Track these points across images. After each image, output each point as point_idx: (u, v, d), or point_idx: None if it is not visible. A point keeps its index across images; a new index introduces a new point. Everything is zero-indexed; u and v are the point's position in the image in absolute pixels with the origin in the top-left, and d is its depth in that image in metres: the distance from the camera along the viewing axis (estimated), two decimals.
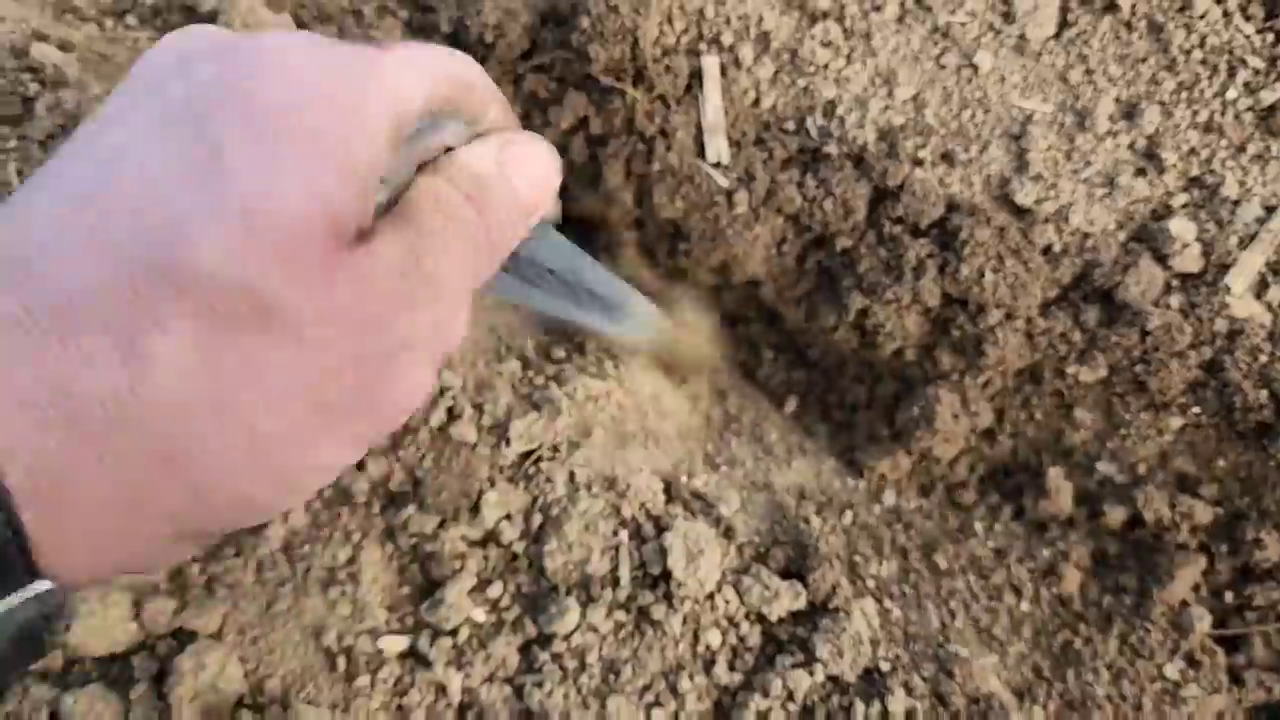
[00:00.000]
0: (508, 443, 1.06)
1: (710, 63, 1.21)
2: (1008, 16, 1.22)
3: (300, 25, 1.29)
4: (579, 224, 1.34)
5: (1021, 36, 1.21)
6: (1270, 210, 1.13)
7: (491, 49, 1.24)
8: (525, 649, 1.00)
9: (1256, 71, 1.16)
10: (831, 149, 1.19)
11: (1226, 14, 1.17)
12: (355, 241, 0.43)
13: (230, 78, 0.41)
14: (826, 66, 1.22)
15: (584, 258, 0.60)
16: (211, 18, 1.28)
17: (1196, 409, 1.11)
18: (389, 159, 0.45)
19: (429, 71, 0.47)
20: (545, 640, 0.99)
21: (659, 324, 0.60)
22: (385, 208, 0.47)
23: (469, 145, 0.51)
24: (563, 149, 1.28)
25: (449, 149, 0.51)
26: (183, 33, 0.46)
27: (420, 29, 1.32)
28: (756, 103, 1.22)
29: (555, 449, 1.07)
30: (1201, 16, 1.17)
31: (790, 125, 1.22)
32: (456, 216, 0.47)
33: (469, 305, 0.50)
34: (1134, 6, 1.19)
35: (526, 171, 0.52)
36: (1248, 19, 1.17)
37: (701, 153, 1.20)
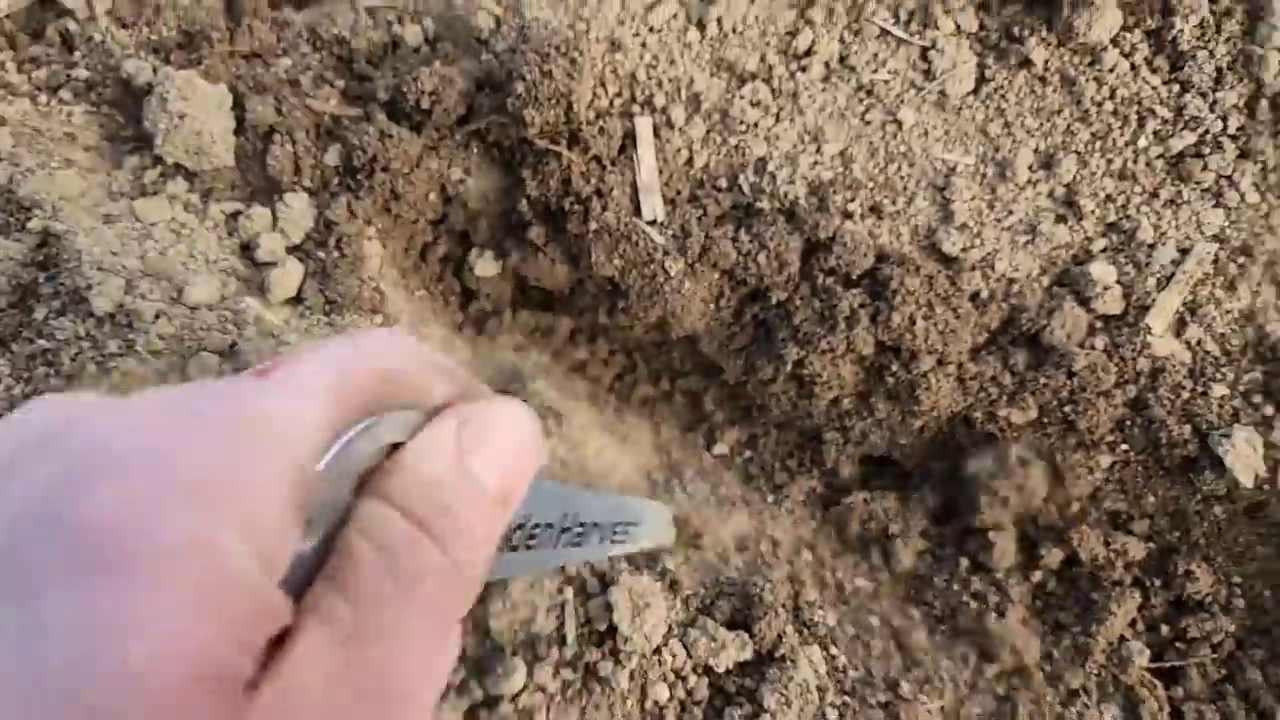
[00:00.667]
0: None
1: (643, 124, 1.29)
2: (928, 74, 1.31)
3: (237, 96, 1.36)
4: (534, 287, 1.40)
5: (942, 93, 1.31)
6: (1184, 252, 1.22)
7: (429, 115, 1.31)
8: (473, 713, 1.03)
9: (1164, 121, 1.26)
10: (764, 204, 1.27)
11: (1134, 67, 1.28)
12: (257, 673, 0.33)
13: (58, 488, 0.32)
14: (756, 125, 1.30)
15: (577, 497, 0.52)
16: (147, 91, 1.35)
17: (1125, 446, 1.19)
18: (296, 519, 0.35)
19: (331, 381, 0.38)
20: (493, 702, 1.03)
21: (670, 522, 0.55)
22: (317, 555, 0.36)
23: (419, 438, 0.40)
24: (509, 212, 1.36)
25: (395, 446, 0.40)
26: (30, 407, 0.36)
27: (358, 97, 1.39)
28: (690, 161, 1.30)
29: None
30: (1111, 70, 1.27)
31: (723, 182, 1.30)
32: (410, 568, 0.36)
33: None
34: (1047, 62, 1.29)
35: (496, 454, 0.40)
36: (1154, 71, 1.27)
37: (638, 211, 1.27)
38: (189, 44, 1.45)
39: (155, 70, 1.38)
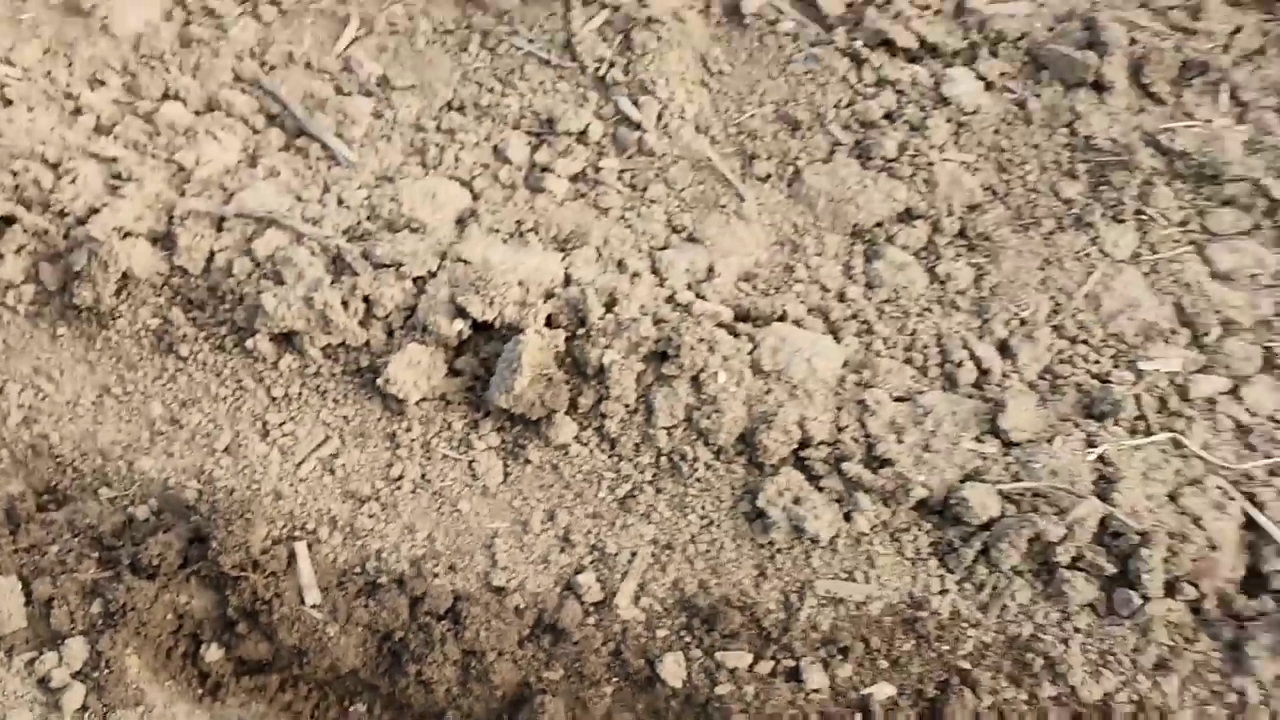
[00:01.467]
0: None
1: (301, 548, 2.29)
2: (474, 476, 2.39)
3: (24, 580, 2.26)
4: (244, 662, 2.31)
5: (484, 487, 2.38)
6: (634, 554, 2.30)
7: (159, 569, 2.26)
8: None
9: (612, 479, 2.37)
10: (383, 580, 2.27)
11: (590, 452, 2.40)
12: None
13: None
14: (373, 530, 2.33)
15: None
16: None
17: (616, 679, 2.20)
18: None
19: None
20: None
21: None
22: None
23: None
24: (223, 615, 2.29)
25: None
26: None
27: (109, 563, 2.32)
28: (334, 562, 2.30)
29: None
30: (576, 455, 2.39)
31: (357, 570, 2.30)
32: None
33: None
34: (541, 458, 2.40)
35: None
36: (602, 451, 2.40)
37: (303, 601, 2.24)
38: None
39: None
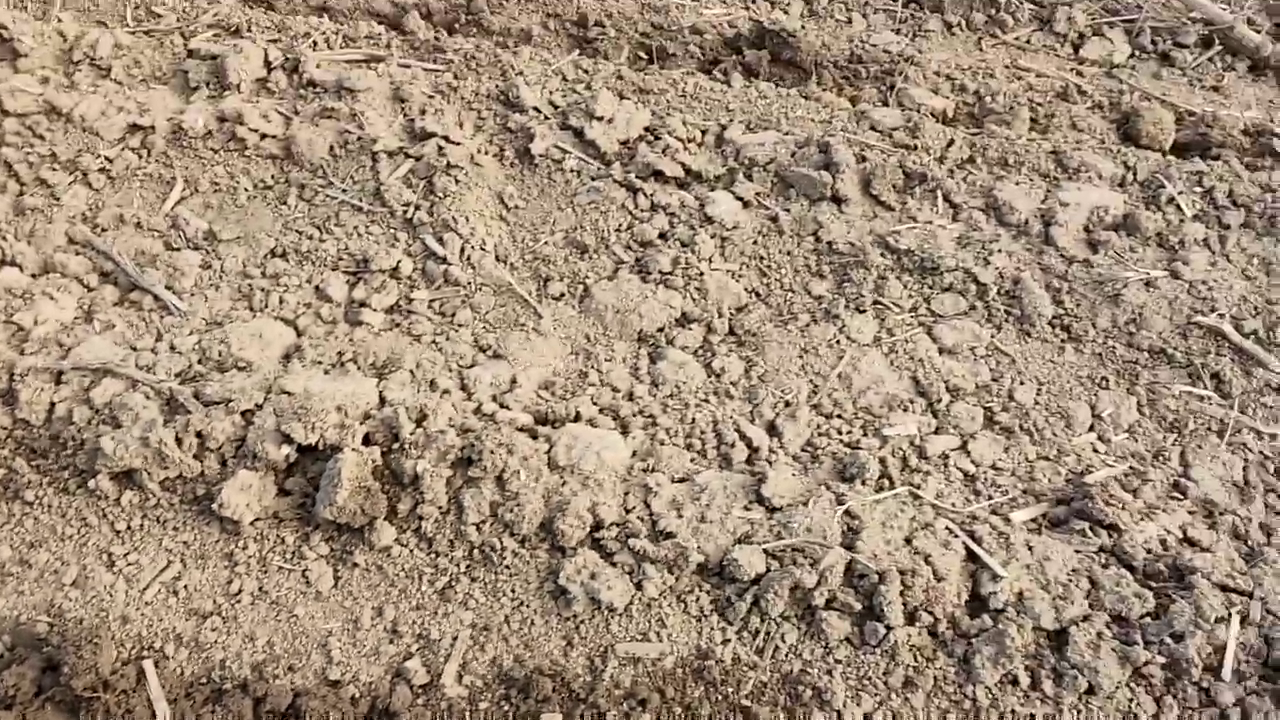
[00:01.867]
0: None
1: (149, 665, 2.55)
2: (308, 583, 2.70)
3: None
4: None
5: (318, 591, 2.68)
6: (455, 639, 2.63)
7: (14, 698, 2.48)
8: None
9: (430, 574, 2.71)
10: (228, 686, 2.54)
11: (410, 550, 2.73)
12: None
13: None
14: (216, 642, 2.60)
15: None
16: None
17: None
18: None
19: None
20: None
21: None
22: None
23: None
24: None
25: None
26: None
27: None
28: (181, 674, 2.56)
29: None
30: (398, 555, 2.72)
31: (203, 680, 2.56)
32: None
33: None
34: (367, 560, 2.72)
35: None
36: (421, 550, 2.73)
37: (153, 714, 2.49)
38: None
39: None
